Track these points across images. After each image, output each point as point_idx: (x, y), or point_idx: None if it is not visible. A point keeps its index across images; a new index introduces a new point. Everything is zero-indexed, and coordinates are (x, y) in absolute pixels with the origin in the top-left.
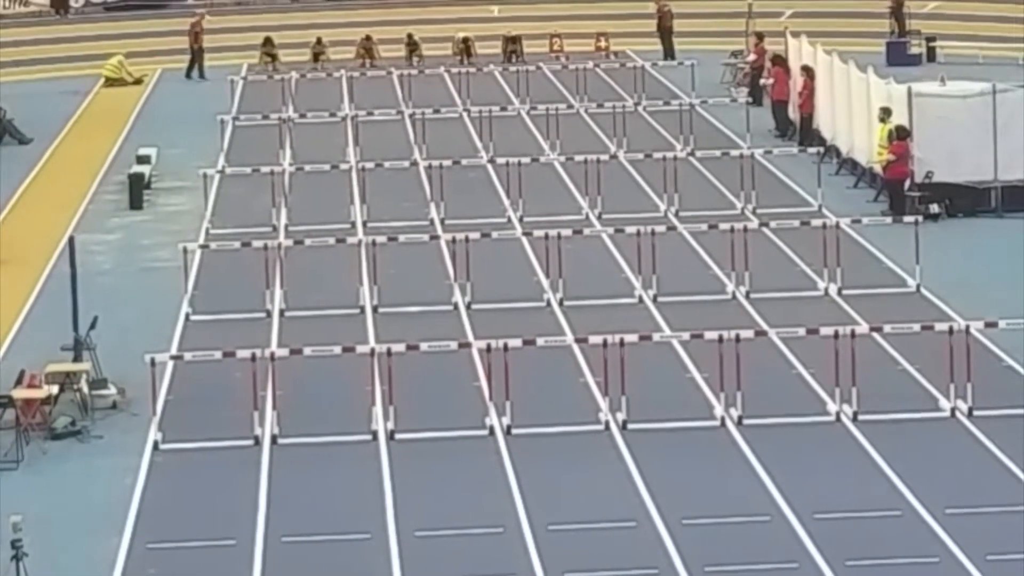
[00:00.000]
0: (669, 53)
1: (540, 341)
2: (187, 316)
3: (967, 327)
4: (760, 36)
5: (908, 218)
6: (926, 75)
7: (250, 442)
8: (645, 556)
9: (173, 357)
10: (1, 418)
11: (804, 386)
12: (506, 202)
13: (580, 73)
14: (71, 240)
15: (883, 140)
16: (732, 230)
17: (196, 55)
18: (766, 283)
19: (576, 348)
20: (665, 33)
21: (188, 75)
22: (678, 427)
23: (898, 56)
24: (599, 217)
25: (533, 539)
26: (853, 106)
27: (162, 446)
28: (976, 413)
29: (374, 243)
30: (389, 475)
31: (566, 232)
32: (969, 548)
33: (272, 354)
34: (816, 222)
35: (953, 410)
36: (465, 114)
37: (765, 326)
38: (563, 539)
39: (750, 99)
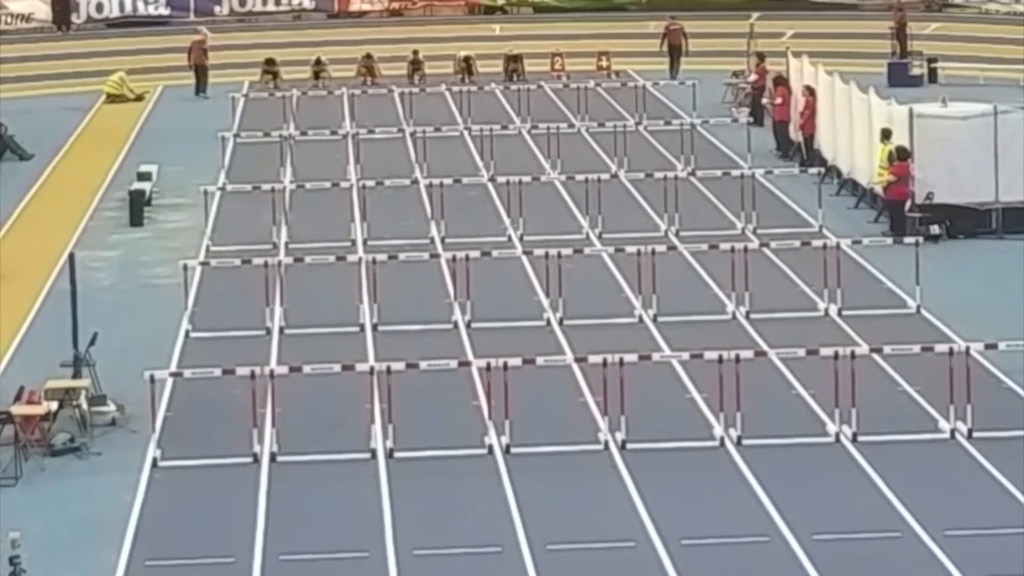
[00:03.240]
0: (675, 72)
1: (540, 360)
2: (187, 333)
3: (967, 348)
4: (761, 56)
5: (909, 239)
6: (927, 96)
7: (249, 459)
8: None
9: (172, 374)
10: (0, 434)
11: (804, 407)
12: (506, 221)
13: (581, 92)
14: (71, 256)
15: (884, 161)
16: (732, 250)
17: (200, 73)
18: (766, 303)
19: (576, 367)
20: (674, 51)
21: (198, 92)
22: (677, 447)
23: (899, 77)
24: (599, 236)
25: (532, 559)
26: (854, 127)
27: (161, 463)
28: (976, 435)
29: (374, 261)
30: (388, 493)
31: (566, 251)
32: (968, 570)
33: (272, 372)
34: (817, 243)
35: (953, 431)
36: (466, 132)
37: (765, 346)
38: (562, 559)
39: (751, 119)
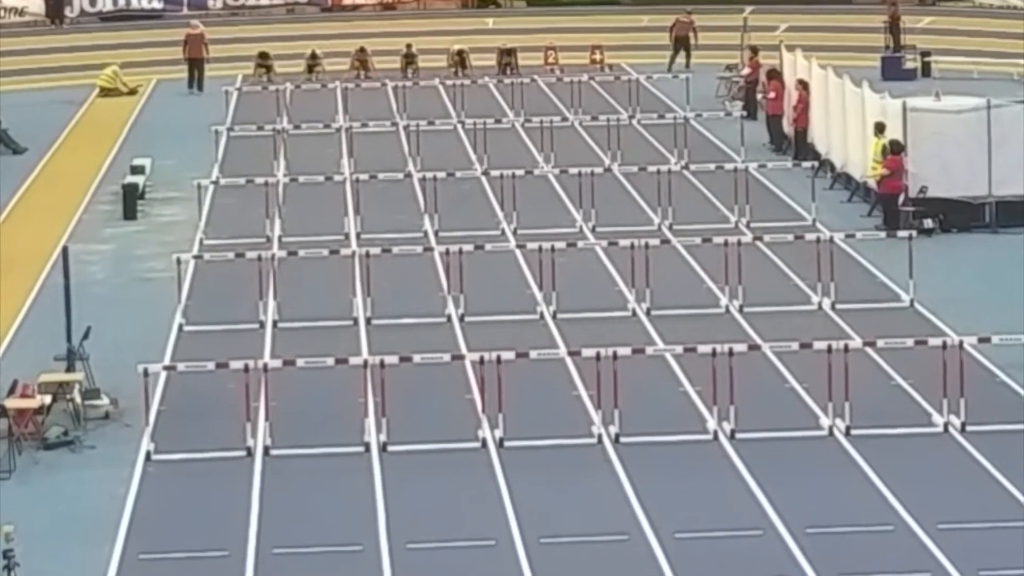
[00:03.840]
0: (687, 64)
1: (533, 354)
2: (180, 327)
3: (960, 342)
4: (755, 50)
5: (902, 233)
6: (921, 90)
7: (242, 453)
8: (637, 570)
9: (166, 368)
10: None
11: (797, 400)
12: (500, 214)
13: (575, 86)
14: (65, 250)
15: (877, 155)
16: (726, 244)
17: (195, 66)
18: (760, 297)
19: (569, 361)
20: (679, 44)
21: (191, 87)
22: (671, 441)
23: (893, 71)
24: (593, 230)
25: (525, 552)
26: (848, 120)
27: (154, 456)
28: (969, 428)
29: (368, 255)
30: (381, 487)
31: (560, 245)
32: (961, 563)
33: (265, 365)
34: (810, 236)
35: (946, 425)
36: (459, 126)
37: (758, 340)
38: (555, 552)
39: (744, 113)
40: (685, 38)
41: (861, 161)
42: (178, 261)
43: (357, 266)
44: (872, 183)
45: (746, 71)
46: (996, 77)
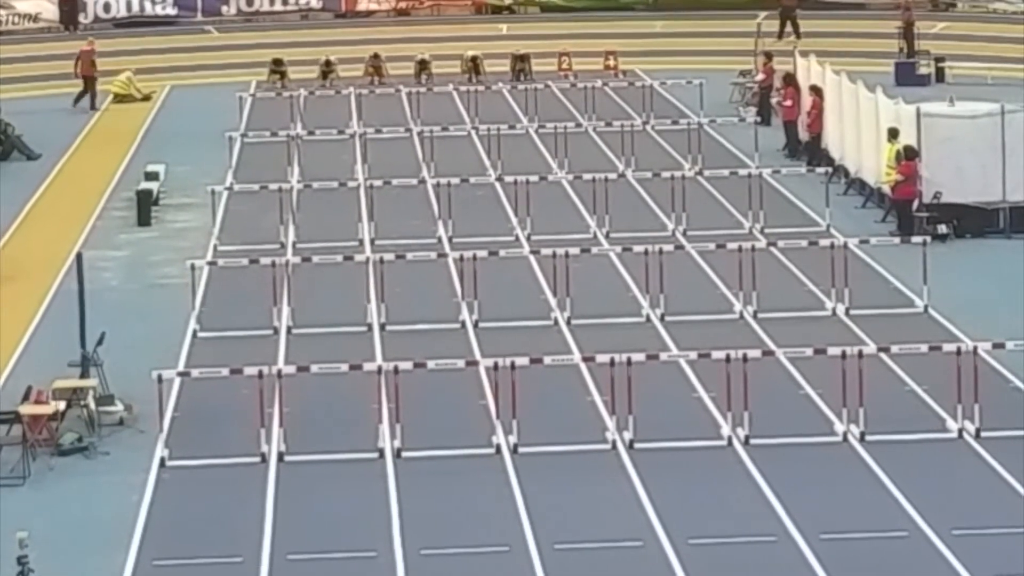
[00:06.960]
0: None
1: (547, 360)
2: (194, 333)
3: (975, 348)
4: (769, 56)
5: (916, 238)
6: (935, 95)
7: (257, 459)
8: None
9: (180, 374)
10: (8, 434)
11: (811, 406)
12: (514, 220)
13: (588, 92)
14: (79, 256)
15: (891, 160)
16: (740, 249)
17: (88, 83)
18: (774, 303)
19: (583, 367)
20: (788, 13)
21: (77, 101)
22: (685, 447)
23: (907, 76)
24: (607, 236)
25: (539, 558)
26: (861, 126)
27: (169, 463)
28: (983, 434)
29: (382, 261)
30: (396, 493)
31: (574, 251)
32: (976, 569)
33: (279, 371)
34: (824, 242)
35: (960, 431)
36: (473, 132)
37: (772, 346)
38: (569, 558)
39: (758, 118)
40: (792, 8)
41: (875, 167)
42: (192, 267)
43: (371, 272)
44: (886, 189)
45: (760, 77)
46: (1010, 82)
